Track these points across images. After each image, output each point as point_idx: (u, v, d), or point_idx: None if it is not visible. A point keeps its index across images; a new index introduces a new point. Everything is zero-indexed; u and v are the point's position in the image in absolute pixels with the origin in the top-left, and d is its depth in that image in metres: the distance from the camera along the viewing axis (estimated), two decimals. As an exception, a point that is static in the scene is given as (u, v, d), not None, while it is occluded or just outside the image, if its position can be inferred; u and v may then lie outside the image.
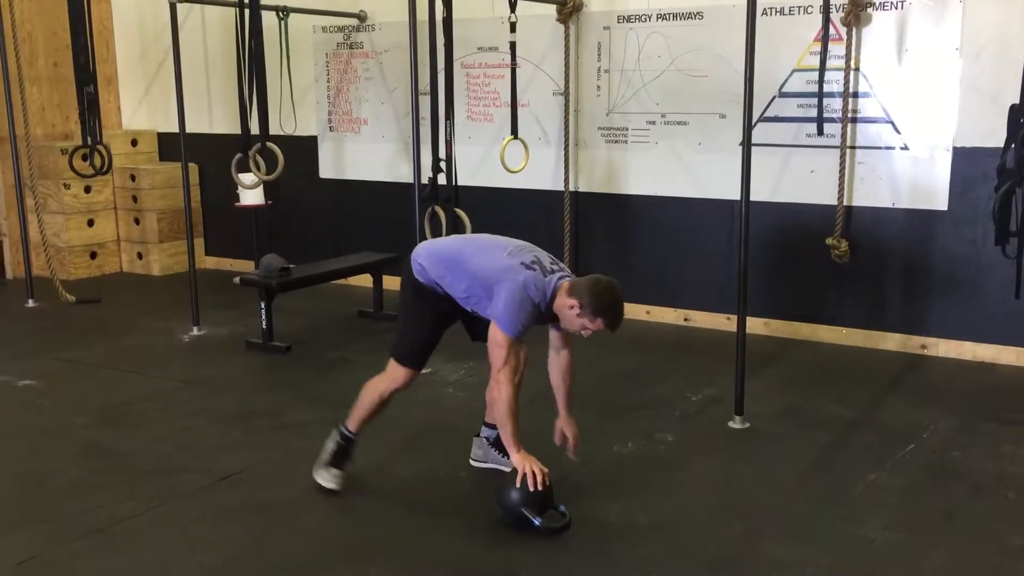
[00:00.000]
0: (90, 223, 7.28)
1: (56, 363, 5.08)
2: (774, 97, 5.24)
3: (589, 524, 3.18)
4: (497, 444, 3.58)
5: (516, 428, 3.16)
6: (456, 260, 3.30)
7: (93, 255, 7.33)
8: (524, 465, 3.13)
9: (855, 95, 5.04)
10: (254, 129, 5.40)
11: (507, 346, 3.12)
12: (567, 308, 3.12)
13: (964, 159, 4.84)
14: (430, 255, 3.38)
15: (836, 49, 5.00)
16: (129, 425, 4.16)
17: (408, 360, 3.42)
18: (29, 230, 6.54)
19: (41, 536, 3.14)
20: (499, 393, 3.13)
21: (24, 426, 4.17)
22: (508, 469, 3.28)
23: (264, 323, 5.23)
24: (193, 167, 7.07)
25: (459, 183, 5.18)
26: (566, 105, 5.81)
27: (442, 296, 3.34)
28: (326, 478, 3.47)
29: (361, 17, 6.53)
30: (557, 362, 3.43)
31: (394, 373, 3.42)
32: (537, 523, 3.09)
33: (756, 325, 5.31)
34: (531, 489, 3.09)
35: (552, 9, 5.72)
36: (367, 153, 6.68)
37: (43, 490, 3.52)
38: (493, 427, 3.55)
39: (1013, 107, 4.00)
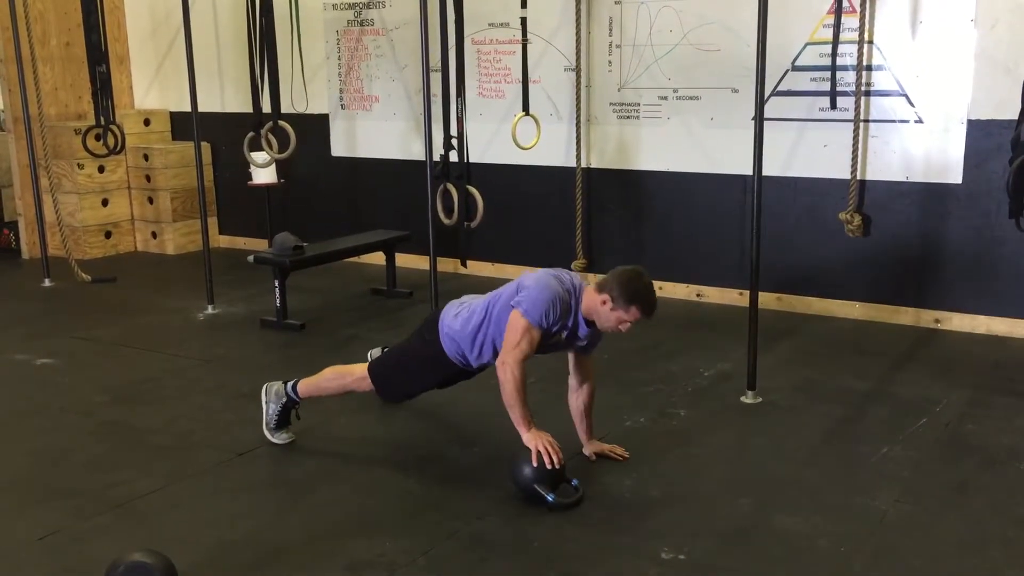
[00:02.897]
0: (104, 203, 7.32)
1: (73, 342, 5.13)
2: (787, 71, 5.21)
3: (602, 498, 3.21)
4: None
5: (525, 409, 3.17)
6: (475, 311, 3.34)
7: (108, 234, 7.37)
8: (536, 443, 3.14)
9: (869, 68, 5.00)
10: (266, 108, 5.42)
11: (524, 331, 3.11)
12: (599, 305, 3.11)
13: (978, 131, 4.81)
14: (455, 327, 3.37)
15: (849, 21, 4.96)
16: (146, 402, 4.21)
17: (386, 394, 3.59)
18: (44, 210, 6.58)
19: (62, 511, 3.18)
20: (504, 376, 3.14)
21: (43, 404, 4.22)
22: None
23: (278, 301, 5.26)
24: (206, 146, 7.10)
25: (471, 160, 5.19)
26: (577, 81, 5.79)
27: (456, 365, 3.39)
28: (281, 437, 3.65)
29: (371, -6, 6.52)
30: (580, 396, 3.43)
31: (364, 384, 3.52)
32: (550, 499, 3.11)
33: (768, 300, 5.31)
34: (547, 467, 3.11)
35: (563, -16, 5.69)
36: (379, 131, 6.68)
37: (63, 466, 3.57)
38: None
39: (1028, 79, 3.97)
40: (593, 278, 5.99)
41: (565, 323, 3.20)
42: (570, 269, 5.81)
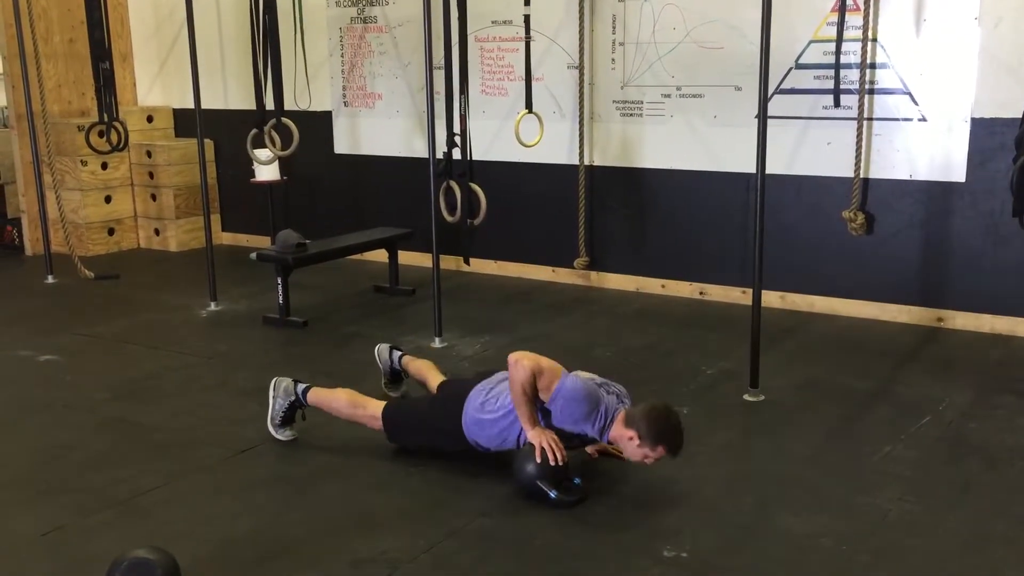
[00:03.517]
0: (107, 199, 7.33)
1: (76, 338, 5.13)
2: (790, 69, 5.20)
3: (605, 496, 3.21)
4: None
5: (532, 406, 3.17)
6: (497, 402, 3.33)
7: (111, 231, 7.38)
8: (540, 440, 3.14)
9: (872, 66, 5.00)
10: (269, 105, 5.42)
11: (553, 366, 3.14)
12: (626, 439, 3.10)
13: (982, 130, 4.80)
14: (475, 427, 3.36)
15: (853, 19, 4.95)
16: (149, 399, 4.21)
17: (396, 440, 3.55)
18: (47, 207, 6.58)
19: (64, 508, 3.19)
20: (516, 373, 3.13)
21: (46, 400, 4.23)
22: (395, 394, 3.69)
23: (281, 298, 5.26)
24: (209, 143, 7.11)
25: (473, 158, 5.19)
26: (580, 78, 5.78)
27: (471, 446, 3.40)
28: (284, 434, 3.67)
29: (374, -9, 6.52)
30: None
31: (375, 423, 3.54)
32: (553, 496, 3.11)
33: (772, 299, 5.30)
34: (550, 464, 3.11)
35: (566, -19, 5.69)
36: (382, 128, 6.68)
37: (66, 463, 3.57)
38: None
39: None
40: (596, 276, 5.99)
41: (584, 435, 3.20)
42: (573, 266, 5.81)
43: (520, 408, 3.17)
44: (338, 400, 3.61)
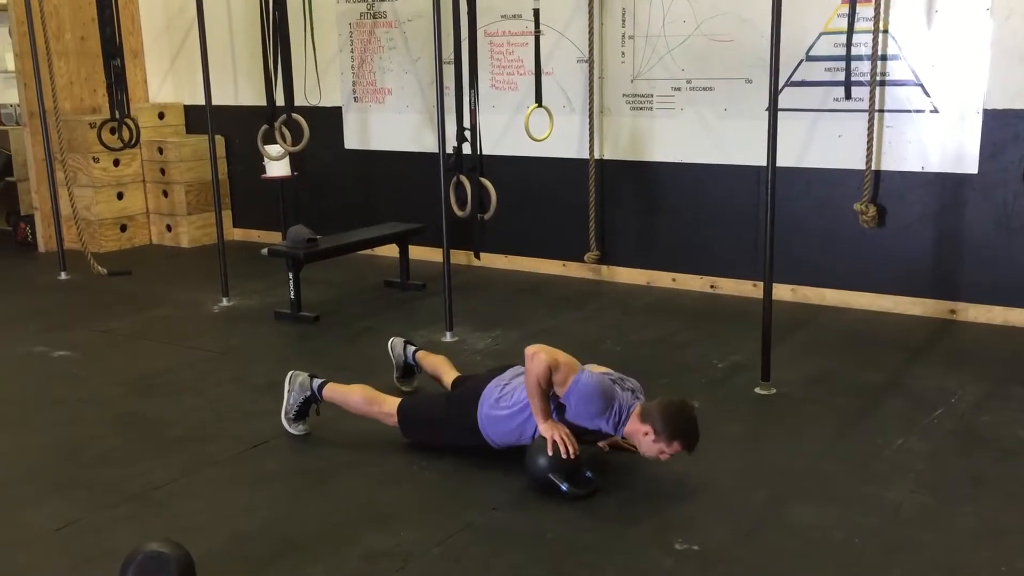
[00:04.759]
0: (119, 196, 7.36)
1: (90, 334, 5.17)
2: (801, 61, 5.18)
3: (616, 489, 3.22)
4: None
5: (545, 401, 3.17)
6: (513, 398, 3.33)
7: (123, 228, 7.41)
8: (552, 433, 3.15)
9: (884, 58, 4.98)
10: (279, 100, 5.43)
11: (570, 361, 3.13)
12: (641, 435, 3.09)
13: (994, 121, 4.78)
14: (490, 424, 3.36)
15: (864, 11, 4.93)
16: (163, 394, 4.24)
17: (410, 435, 3.56)
18: (60, 204, 6.62)
19: (80, 502, 3.21)
20: (532, 366, 3.12)
21: (61, 395, 4.26)
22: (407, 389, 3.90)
23: (292, 294, 5.28)
24: (219, 139, 7.13)
25: (484, 152, 5.19)
26: (590, 72, 5.78)
27: (486, 442, 3.40)
28: (297, 428, 3.69)
29: (384, -14, 6.52)
30: None
31: (390, 420, 3.55)
32: (564, 489, 3.12)
33: (783, 291, 5.30)
34: (562, 457, 3.12)
35: (576, -25, 5.68)
36: (392, 123, 6.69)
37: (81, 457, 3.60)
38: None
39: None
40: (607, 270, 5.99)
41: (599, 431, 3.20)
42: (584, 259, 5.81)
43: (533, 401, 3.18)
44: (353, 396, 3.63)
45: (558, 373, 3.12)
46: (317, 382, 3.68)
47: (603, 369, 3.30)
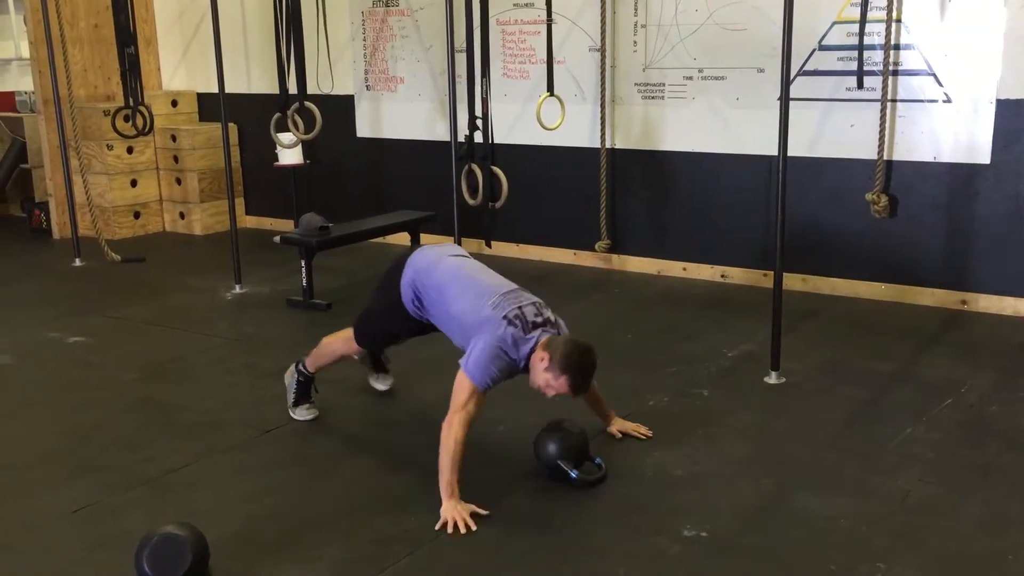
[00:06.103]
0: (133, 183, 7.40)
1: (104, 320, 5.21)
2: (813, 50, 5.17)
3: (625, 476, 3.24)
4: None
5: (455, 476, 2.98)
6: (442, 297, 3.27)
7: (137, 215, 7.46)
8: (453, 514, 2.93)
9: (896, 47, 4.96)
10: (292, 89, 5.45)
11: (471, 392, 3.03)
12: (538, 360, 3.01)
13: (1008, 112, 4.76)
14: (419, 280, 3.34)
15: (877, 0, 4.91)
16: (176, 380, 4.28)
17: (365, 343, 3.61)
18: (74, 191, 6.66)
19: (95, 485, 3.26)
20: (447, 438, 3.00)
21: (76, 381, 4.30)
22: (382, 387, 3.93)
23: (304, 281, 5.31)
24: (232, 127, 7.16)
25: (495, 141, 5.20)
26: (602, 61, 5.77)
27: (417, 318, 3.38)
28: (303, 414, 3.74)
29: (396, -26, 6.53)
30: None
31: (350, 345, 3.60)
32: (573, 475, 3.14)
33: (793, 281, 5.30)
34: (448, 532, 2.91)
35: (588, -37, 5.67)
36: (404, 112, 6.70)
37: (95, 442, 3.64)
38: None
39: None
40: (617, 259, 6.00)
41: (513, 372, 3.10)
42: (595, 248, 5.81)
43: (444, 475, 2.99)
44: (325, 347, 3.69)
45: (469, 400, 3.03)
46: (300, 363, 3.75)
47: (533, 298, 3.19)
